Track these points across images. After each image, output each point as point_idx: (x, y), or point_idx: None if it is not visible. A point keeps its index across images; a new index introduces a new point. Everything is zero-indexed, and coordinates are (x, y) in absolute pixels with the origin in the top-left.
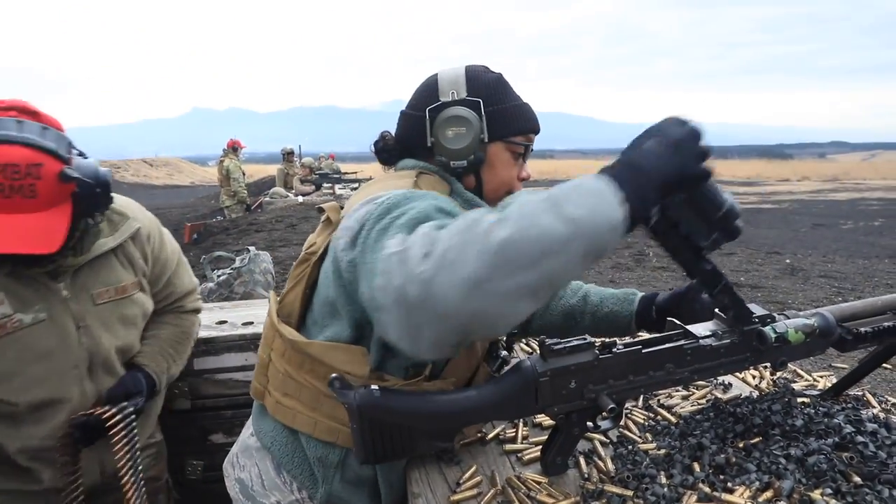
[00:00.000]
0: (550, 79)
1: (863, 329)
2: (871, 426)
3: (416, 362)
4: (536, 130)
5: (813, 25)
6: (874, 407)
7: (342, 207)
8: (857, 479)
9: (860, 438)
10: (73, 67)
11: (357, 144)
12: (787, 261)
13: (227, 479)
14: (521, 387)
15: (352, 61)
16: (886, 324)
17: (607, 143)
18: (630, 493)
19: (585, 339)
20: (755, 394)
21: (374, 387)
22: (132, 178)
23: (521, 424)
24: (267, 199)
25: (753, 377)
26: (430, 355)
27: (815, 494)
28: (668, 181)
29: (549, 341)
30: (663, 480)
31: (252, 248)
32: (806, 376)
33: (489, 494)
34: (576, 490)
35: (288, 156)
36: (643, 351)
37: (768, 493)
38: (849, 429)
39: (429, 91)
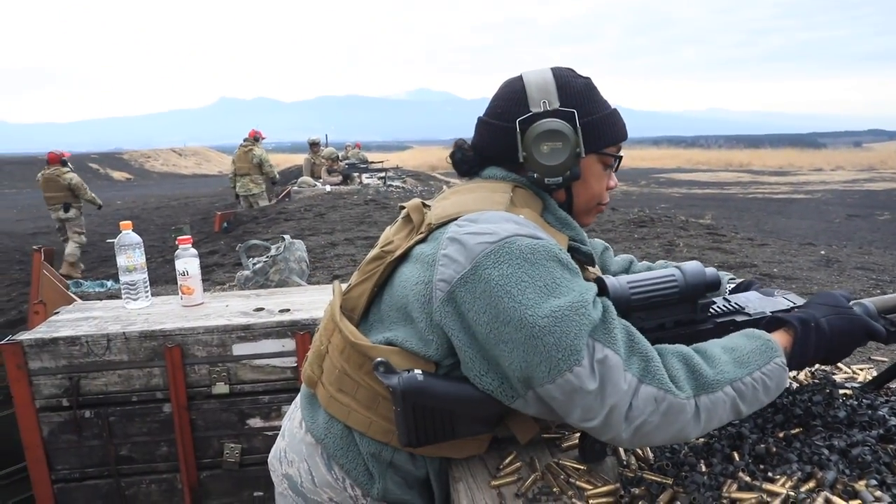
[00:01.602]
0: (574, 67)
1: None
2: None
3: None
4: (626, 137)
5: (843, 10)
6: None
7: (424, 205)
8: None
9: None
10: (105, 60)
11: (382, 133)
12: (822, 252)
13: (273, 474)
14: None
15: (376, 50)
16: None
17: (634, 132)
18: (669, 480)
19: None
20: (794, 385)
21: (417, 371)
22: (162, 168)
23: None
24: (295, 188)
25: None
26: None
27: (860, 486)
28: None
29: None
30: (703, 469)
31: (287, 237)
32: (845, 368)
33: (529, 480)
34: (614, 477)
35: (314, 146)
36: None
37: (810, 484)
38: (894, 421)
39: (516, 99)
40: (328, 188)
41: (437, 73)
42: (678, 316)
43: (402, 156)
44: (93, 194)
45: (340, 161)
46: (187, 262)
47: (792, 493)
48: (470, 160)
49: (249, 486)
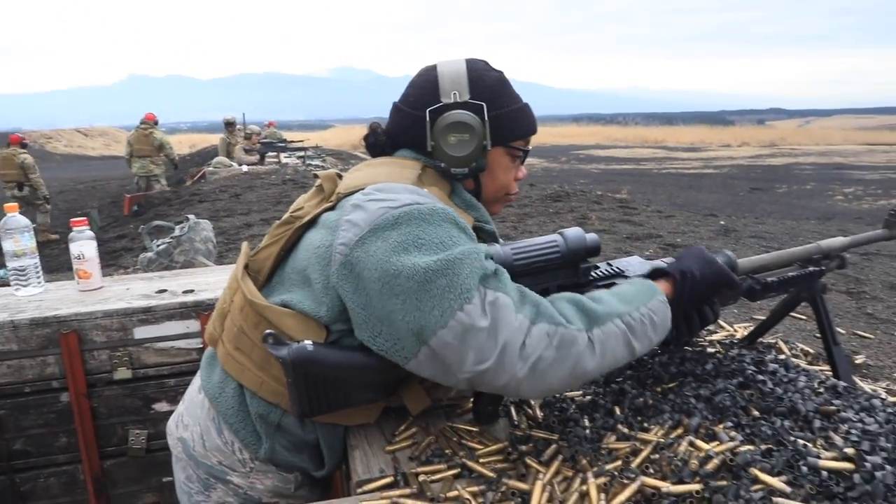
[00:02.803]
0: (500, 45)
1: (769, 279)
2: (772, 366)
3: None
4: (535, 131)
5: None
6: (785, 353)
7: (338, 176)
8: (755, 412)
9: (760, 377)
10: None
11: (304, 112)
12: (722, 222)
13: (169, 438)
14: None
15: (297, 26)
16: (791, 274)
17: (555, 110)
18: (555, 436)
19: None
20: (672, 346)
21: (307, 342)
22: (65, 149)
23: None
24: (210, 169)
25: None
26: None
27: (719, 428)
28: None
29: None
30: (586, 423)
31: (192, 217)
32: (728, 328)
33: (424, 443)
34: (506, 437)
35: (229, 126)
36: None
37: (679, 431)
38: (752, 370)
39: (429, 89)
40: (245, 168)
41: (361, 51)
42: (561, 280)
43: (324, 135)
44: (40, 180)
45: (248, 139)
46: (83, 244)
47: (662, 440)
48: (383, 144)
49: (157, 472)
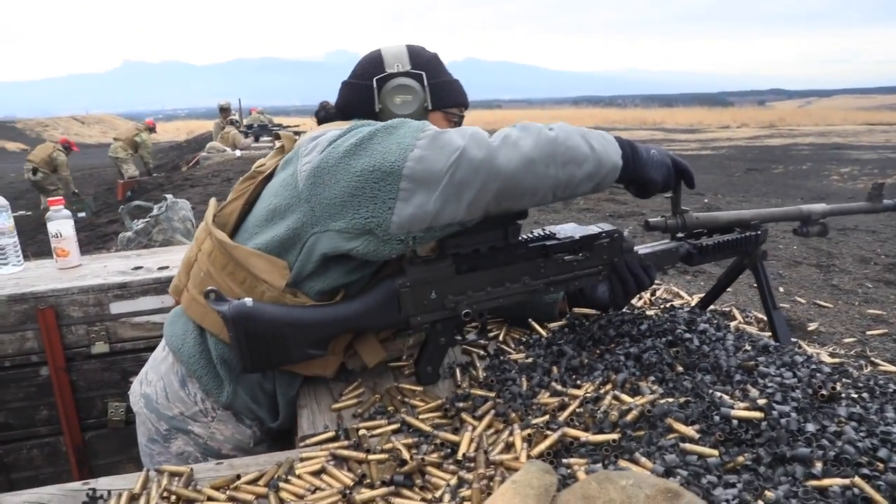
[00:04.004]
0: (495, 28)
1: (706, 243)
2: (702, 326)
3: (332, 286)
4: (468, 105)
5: None
6: (737, 319)
7: (296, 134)
8: (679, 368)
9: (688, 336)
10: None
11: (300, 97)
12: (706, 200)
13: (132, 397)
14: (385, 297)
15: (293, 11)
16: (727, 238)
17: (553, 92)
18: (493, 394)
19: (444, 252)
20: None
21: (247, 299)
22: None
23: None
24: (204, 154)
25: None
26: (458, 216)
27: (643, 383)
28: (644, 174)
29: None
30: (523, 382)
31: (170, 196)
32: (686, 297)
33: (368, 402)
34: (448, 396)
35: (224, 111)
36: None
37: (608, 387)
38: (682, 329)
39: (374, 63)
40: (238, 153)
41: (357, 35)
42: (492, 241)
43: None
44: (70, 177)
45: (233, 124)
46: (60, 223)
47: (588, 395)
48: (333, 118)
49: (136, 443)
